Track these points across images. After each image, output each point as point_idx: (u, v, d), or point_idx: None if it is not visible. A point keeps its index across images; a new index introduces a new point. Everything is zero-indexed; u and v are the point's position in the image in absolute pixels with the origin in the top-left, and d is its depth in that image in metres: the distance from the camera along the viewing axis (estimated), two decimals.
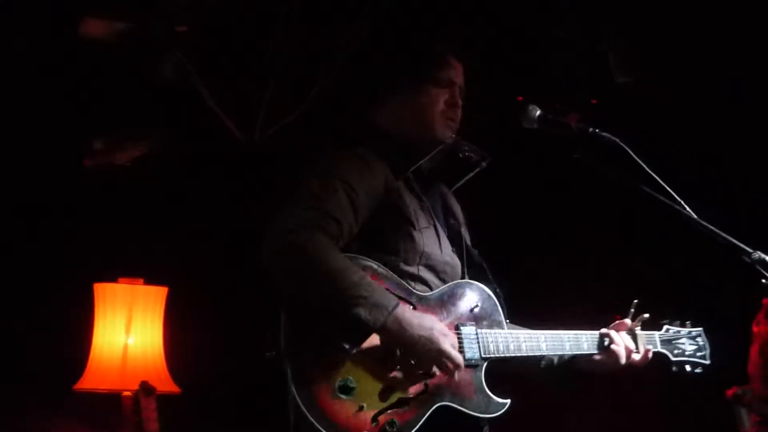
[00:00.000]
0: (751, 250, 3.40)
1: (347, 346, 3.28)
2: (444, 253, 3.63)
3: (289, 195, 3.48)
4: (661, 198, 3.54)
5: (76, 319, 5.35)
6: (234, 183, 5.87)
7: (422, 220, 3.60)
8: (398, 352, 3.36)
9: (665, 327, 3.93)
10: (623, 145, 3.57)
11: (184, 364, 5.42)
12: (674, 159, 4.29)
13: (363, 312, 3.25)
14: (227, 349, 5.57)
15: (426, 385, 3.41)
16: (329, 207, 3.39)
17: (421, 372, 3.39)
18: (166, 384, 5.22)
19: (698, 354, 3.90)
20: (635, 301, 3.81)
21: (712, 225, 3.51)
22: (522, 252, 5.68)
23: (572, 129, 3.64)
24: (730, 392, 2.38)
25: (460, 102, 3.71)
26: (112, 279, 5.30)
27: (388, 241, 3.50)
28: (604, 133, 3.60)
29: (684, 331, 3.95)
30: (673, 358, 3.90)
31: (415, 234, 3.53)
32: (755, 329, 2.43)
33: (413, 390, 3.39)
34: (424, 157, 3.69)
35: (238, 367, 5.48)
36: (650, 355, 3.82)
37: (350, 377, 3.31)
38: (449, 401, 3.44)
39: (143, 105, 5.74)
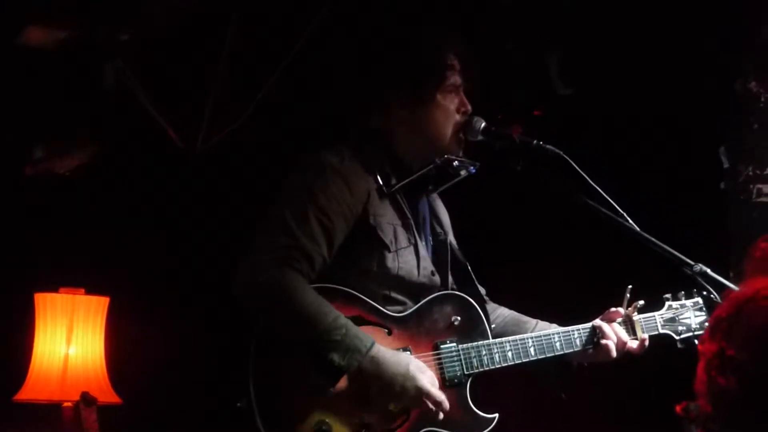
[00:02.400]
0: (692, 263, 3.42)
1: (323, 385, 3.25)
2: (421, 274, 3.52)
3: (262, 222, 3.40)
4: (604, 210, 3.53)
5: (17, 329, 5.29)
6: (177, 191, 5.83)
7: (402, 240, 3.49)
8: (374, 389, 3.30)
9: (667, 304, 3.78)
10: (566, 158, 3.57)
11: (125, 375, 5.38)
12: (616, 171, 4.29)
13: (336, 357, 3.21)
14: (168, 360, 5.54)
15: (405, 416, 3.35)
16: (302, 242, 3.30)
17: (399, 408, 3.34)
18: (107, 395, 5.17)
19: (707, 324, 3.69)
20: (629, 287, 3.70)
21: (653, 237, 3.51)
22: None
23: (515, 141, 3.61)
24: (679, 408, 2.40)
25: (469, 107, 3.63)
26: (53, 289, 5.23)
27: (362, 263, 3.42)
28: (547, 146, 3.59)
29: (689, 303, 3.78)
30: (678, 337, 3.75)
31: (389, 256, 3.45)
32: (700, 348, 2.46)
33: (392, 425, 3.33)
34: (416, 172, 3.58)
35: (179, 378, 5.48)
36: (647, 343, 3.69)
37: (325, 420, 3.25)
38: (433, 426, 3.37)
39: (84, 112, 5.69)
